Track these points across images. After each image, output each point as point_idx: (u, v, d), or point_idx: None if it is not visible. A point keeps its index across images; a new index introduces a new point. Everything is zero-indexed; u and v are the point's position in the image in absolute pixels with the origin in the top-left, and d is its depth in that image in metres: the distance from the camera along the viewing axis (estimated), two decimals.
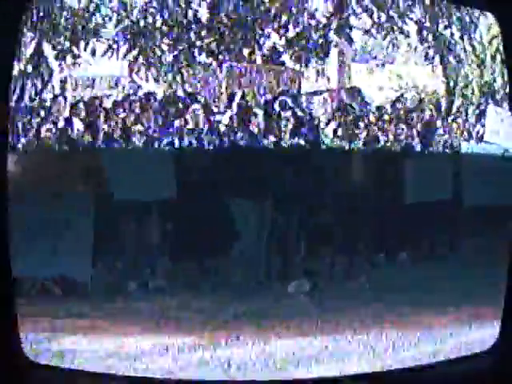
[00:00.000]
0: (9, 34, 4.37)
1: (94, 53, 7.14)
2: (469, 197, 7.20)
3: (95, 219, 6.48)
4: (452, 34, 8.23)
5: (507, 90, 7.37)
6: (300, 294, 6.83)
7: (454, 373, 4.62)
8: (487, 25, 8.38)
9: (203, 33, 7.22)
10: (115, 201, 6.66)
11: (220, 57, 7.23)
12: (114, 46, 7.17)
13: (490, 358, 4.60)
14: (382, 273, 7.23)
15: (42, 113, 7.05)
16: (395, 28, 7.95)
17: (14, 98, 7.14)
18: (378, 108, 7.40)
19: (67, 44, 7.16)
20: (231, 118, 7.19)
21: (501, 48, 7.95)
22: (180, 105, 7.05)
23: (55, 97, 7.05)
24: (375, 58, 7.97)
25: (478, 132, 7.88)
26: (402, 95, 7.93)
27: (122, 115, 6.95)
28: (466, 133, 7.93)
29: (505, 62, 4.71)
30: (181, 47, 7.15)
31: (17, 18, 4.49)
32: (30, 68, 7.22)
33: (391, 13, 7.95)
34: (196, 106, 7.07)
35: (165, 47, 7.15)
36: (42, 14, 7.13)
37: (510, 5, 4.49)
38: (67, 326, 6.22)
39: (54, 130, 7.03)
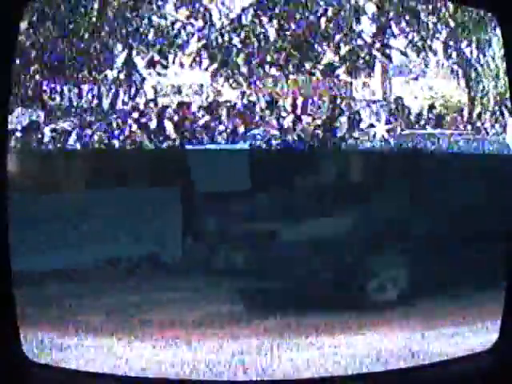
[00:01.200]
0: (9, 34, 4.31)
1: (181, 65, 8.44)
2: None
3: (183, 209, 7.66)
4: (471, 52, 9.70)
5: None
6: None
7: (454, 373, 4.60)
8: (500, 44, 9.83)
9: (272, 49, 8.59)
10: (199, 193, 7.87)
11: (286, 70, 8.61)
12: (198, 59, 8.49)
13: (489, 358, 4.57)
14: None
15: (136, 114, 8.32)
16: (426, 47, 9.39)
17: (107, 102, 8.39)
18: (417, 114, 8.83)
19: (157, 57, 8.45)
20: (294, 121, 8.54)
21: None
22: (254, 110, 8.39)
23: (148, 101, 8.33)
24: (410, 72, 9.41)
25: (494, 133, 9.34)
26: (432, 104, 9.41)
27: (206, 118, 8.25)
28: (484, 135, 9.40)
29: (505, 62, 4.68)
30: (254, 61, 8.51)
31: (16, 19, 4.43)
32: (122, 76, 8.48)
33: (422, 34, 9.38)
34: (267, 111, 8.41)
35: (240, 61, 8.49)
36: (133, 27, 8.39)
37: (510, 5, 4.46)
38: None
39: (146, 131, 8.31)
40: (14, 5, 4.39)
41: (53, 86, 8.40)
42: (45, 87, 8.44)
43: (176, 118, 8.22)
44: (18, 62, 8.35)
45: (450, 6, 9.37)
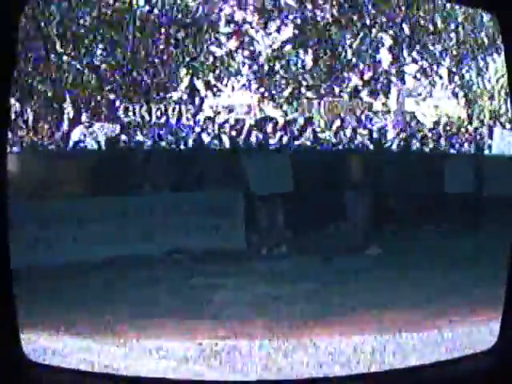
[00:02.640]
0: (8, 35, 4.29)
1: (233, 88, 10.25)
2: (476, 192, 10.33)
3: (243, 206, 9.39)
4: (471, 76, 11.54)
5: (509, 114, 10.91)
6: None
7: (454, 373, 4.59)
8: (495, 68, 11.71)
9: (308, 75, 10.43)
10: (254, 195, 9.60)
11: (319, 93, 10.46)
12: (247, 83, 10.31)
13: (489, 358, 4.54)
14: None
15: (198, 129, 10.11)
16: (433, 72, 11.22)
17: (174, 119, 10.12)
18: (430, 129, 10.75)
19: (213, 81, 10.26)
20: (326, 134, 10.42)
21: (504, 84, 11.46)
22: (294, 125, 10.23)
23: (207, 118, 10.12)
24: (420, 94, 11.28)
25: (489, 144, 11.20)
26: (438, 119, 11.25)
27: (256, 132, 10.06)
28: (480, 144, 11.26)
29: (505, 62, 4.58)
30: (293, 86, 10.35)
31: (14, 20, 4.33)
32: (184, 96, 10.27)
33: (430, 61, 11.20)
34: (305, 126, 10.26)
35: (283, 85, 10.33)
36: (194, 55, 10.17)
37: (510, 5, 4.44)
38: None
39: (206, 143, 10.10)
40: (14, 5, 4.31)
41: (127, 105, 10.19)
42: (117, 104, 10.23)
43: (231, 132, 10.01)
44: (93, 82, 10.15)
45: (453, 36, 11.25)
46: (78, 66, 10.16)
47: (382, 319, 6.98)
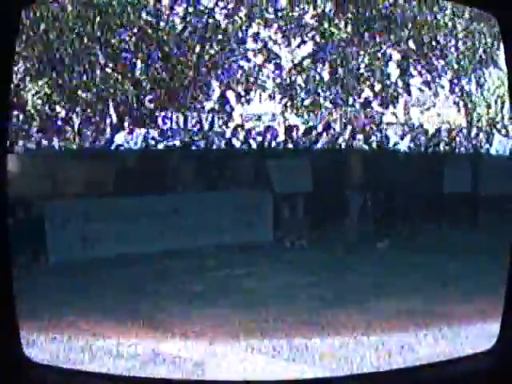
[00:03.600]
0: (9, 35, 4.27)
1: (260, 99, 11.60)
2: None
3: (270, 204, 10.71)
4: (470, 88, 12.88)
5: (505, 121, 12.32)
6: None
7: (453, 373, 4.60)
8: (492, 80, 13.06)
9: (325, 87, 11.79)
10: (276, 192, 10.91)
11: (335, 103, 11.83)
12: (272, 95, 11.68)
13: (489, 358, 4.58)
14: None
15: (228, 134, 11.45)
16: (436, 84, 12.56)
17: (207, 125, 11.46)
18: (433, 134, 12.12)
19: (242, 92, 11.61)
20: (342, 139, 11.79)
21: (500, 93, 12.86)
22: (313, 132, 11.58)
23: (237, 126, 11.46)
24: (424, 104, 12.63)
25: (486, 148, 12.55)
26: (440, 127, 12.60)
27: (281, 138, 11.39)
28: (477, 148, 12.62)
29: (505, 63, 4.51)
30: (312, 96, 11.70)
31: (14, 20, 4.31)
32: (216, 106, 11.63)
33: (433, 74, 12.54)
34: (324, 133, 11.63)
35: (303, 96, 11.69)
36: (225, 68, 11.52)
37: (509, 5, 4.44)
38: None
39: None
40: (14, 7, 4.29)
41: (163, 113, 11.53)
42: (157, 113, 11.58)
43: (259, 138, 11.35)
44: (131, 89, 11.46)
45: (454, 51, 12.58)
46: (119, 78, 11.48)
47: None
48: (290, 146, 11.45)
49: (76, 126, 11.70)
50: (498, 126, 12.74)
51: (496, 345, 4.55)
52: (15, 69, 11.43)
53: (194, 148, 11.15)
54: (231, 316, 7.64)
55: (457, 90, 12.77)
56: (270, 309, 7.80)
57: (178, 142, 11.25)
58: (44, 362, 5.50)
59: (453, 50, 12.45)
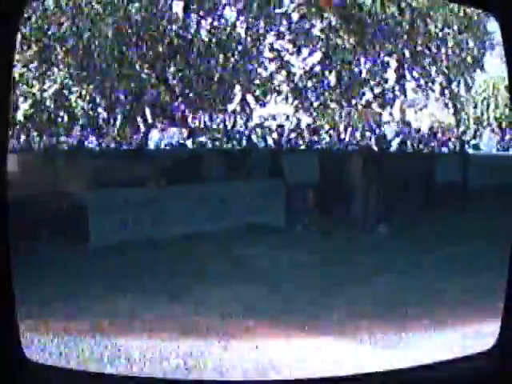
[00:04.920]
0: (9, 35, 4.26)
1: (275, 101, 13.42)
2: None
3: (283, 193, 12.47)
4: (459, 91, 14.65)
5: (491, 122, 14.14)
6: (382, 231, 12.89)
7: (453, 373, 4.62)
8: (478, 84, 14.85)
9: (332, 90, 13.60)
10: (289, 182, 12.72)
11: (341, 104, 13.63)
12: (285, 97, 13.51)
13: (489, 358, 4.57)
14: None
15: (247, 132, 13.26)
16: (429, 87, 14.33)
17: (229, 125, 13.28)
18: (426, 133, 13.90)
19: (260, 95, 13.43)
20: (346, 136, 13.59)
21: (486, 95, 14.64)
22: (321, 130, 13.39)
23: (256, 125, 13.28)
24: (418, 104, 14.42)
25: (473, 145, 14.30)
26: (432, 126, 14.37)
27: (292, 135, 13.21)
28: (465, 146, 14.38)
29: (505, 63, 4.55)
30: (321, 99, 13.51)
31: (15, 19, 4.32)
32: (238, 108, 13.44)
33: (426, 79, 14.31)
34: (330, 130, 13.44)
35: (313, 98, 13.51)
36: (247, 75, 13.33)
37: (510, 5, 4.45)
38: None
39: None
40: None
41: (193, 113, 13.35)
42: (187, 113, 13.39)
43: (274, 135, 13.16)
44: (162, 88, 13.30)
45: (444, 57, 14.34)
46: (154, 81, 13.28)
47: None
48: (301, 142, 13.27)
49: (116, 127, 13.44)
50: (484, 123, 14.52)
51: (496, 345, 4.62)
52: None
53: (218, 144, 12.98)
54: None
55: (447, 92, 14.55)
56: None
57: (205, 139, 13.07)
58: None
59: (443, 57, 14.23)
